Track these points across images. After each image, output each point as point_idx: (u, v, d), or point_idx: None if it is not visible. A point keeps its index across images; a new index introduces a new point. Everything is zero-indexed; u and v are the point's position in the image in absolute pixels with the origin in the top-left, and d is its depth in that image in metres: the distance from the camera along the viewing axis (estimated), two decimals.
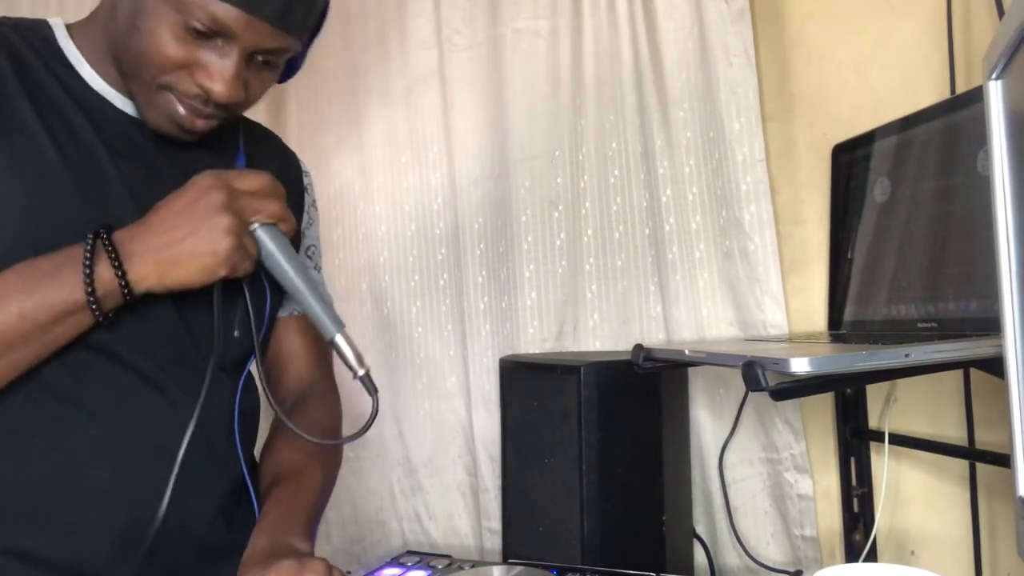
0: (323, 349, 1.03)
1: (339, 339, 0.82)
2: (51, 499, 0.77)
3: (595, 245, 1.35)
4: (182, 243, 0.73)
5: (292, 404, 0.99)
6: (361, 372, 0.82)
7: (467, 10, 1.42)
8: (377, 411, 0.83)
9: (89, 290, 0.70)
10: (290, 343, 0.99)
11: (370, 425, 0.83)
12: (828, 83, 1.25)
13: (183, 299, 0.81)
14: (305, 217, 1.02)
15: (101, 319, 0.72)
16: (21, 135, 0.76)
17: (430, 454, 1.48)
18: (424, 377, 1.48)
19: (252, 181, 0.79)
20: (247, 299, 0.84)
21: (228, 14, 0.73)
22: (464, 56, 1.42)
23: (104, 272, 0.71)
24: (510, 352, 1.35)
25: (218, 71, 0.76)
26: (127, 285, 0.72)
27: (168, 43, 0.75)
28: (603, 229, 1.35)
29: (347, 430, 1.01)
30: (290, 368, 1.00)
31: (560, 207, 1.36)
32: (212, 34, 0.75)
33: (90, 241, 0.71)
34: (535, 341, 1.36)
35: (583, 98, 1.35)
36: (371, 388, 0.83)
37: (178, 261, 0.73)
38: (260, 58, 0.79)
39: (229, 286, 0.81)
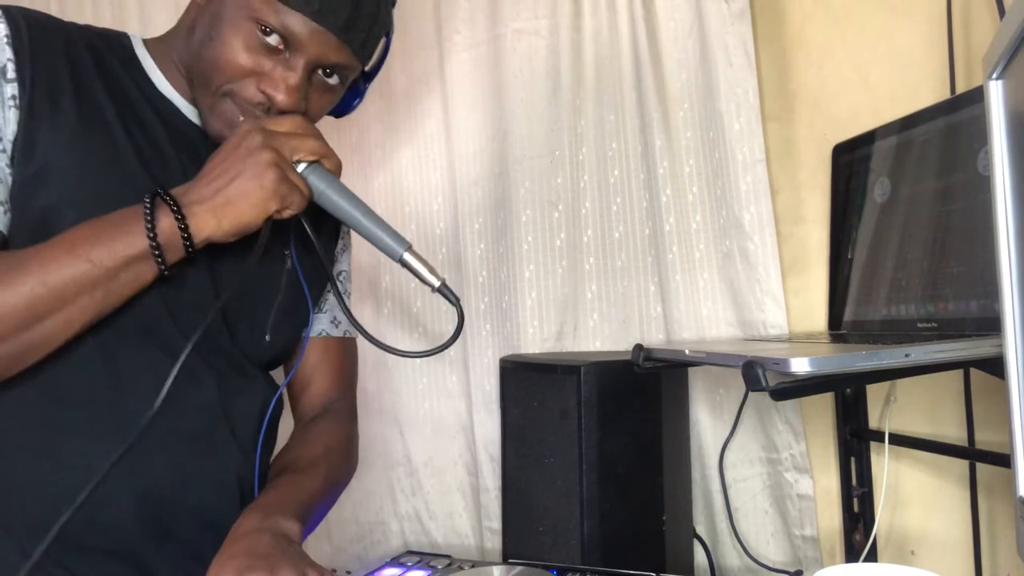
0: (350, 371, 1.06)
1: (408, 256, 0.86)
2: (84, 480, 0.78)
3: (595, 245, 1.35)
4: (230, 185, 0.78)
5: (311, 418, 1.02)
6: (437, 284, 0.86)
7: (467, 10, 1.41)
8: (463, 321, 0.88)
9: (151, 235, 0.74)
10: (316, 363, 1.02)
11: (458, 334, 0.87)
12: (828, 83, 1.25)
13: (220, 284, 0.86)
14: (340, 242, 1.06)
15: (165, 270, 0.76)
16: (100, 122, 0.82)
17: (431, 454, 1.48)
18: (424, 377, 1.48)
19: (286, 123, 0.83)
20: (306, 227, 0.88)
21: (298, 22, 0.80)
22: (464, 56, 1.42)
23: (164, 220, 0.75)
24: (510, 352, 1.35)
25: (282, 80, 0.82)
26: (187, 231, 0.76)
27: (239, 51, 0.81)
28: (603, 229, 1.35)
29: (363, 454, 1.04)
30: (313, 386, 1.03)
31: (560, 207, 1.36)
32: (281, 46, 0.81)
33: (149, 197, 0.76)
34: (535, 341, 1.36)
35: (583, 98, 1.35)
36: (452, 297, 0.87)
37: (231, 202, 0.77)
38: (322, 73, 0.85)
39: (268, 283, 0.86)
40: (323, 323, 1.03)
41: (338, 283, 1.04)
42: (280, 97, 0.82)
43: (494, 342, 1.41)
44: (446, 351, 1.46)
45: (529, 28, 1.36)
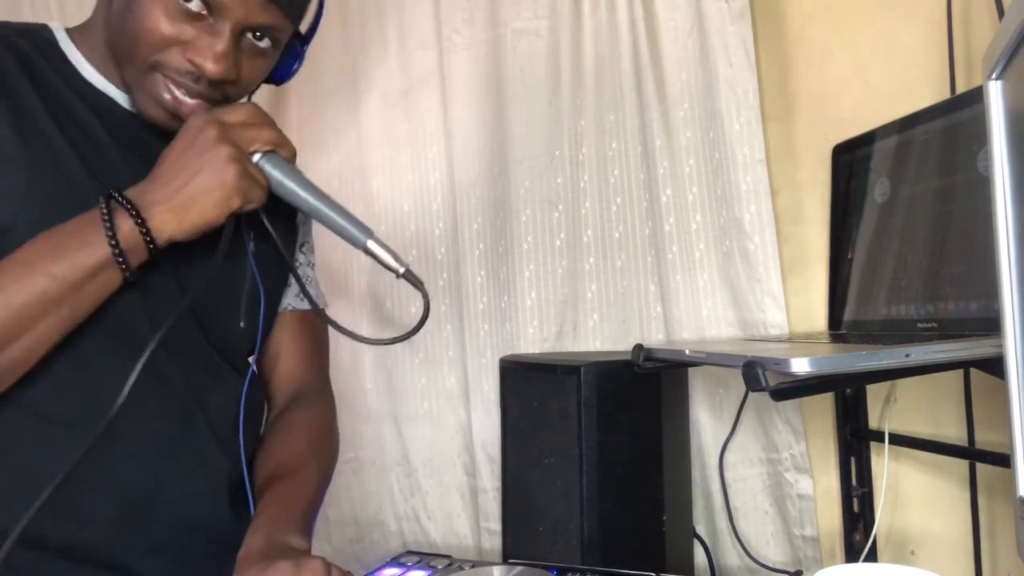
0: (319, 346, 1.04)
1: (372, 244, 0.83)
2: (65, 489, 0.77)
3: (595, 245, 1.35)
4: (190, 183, 0.75)
5: (284, 402, 0.99)
6: (402, 270, 0.84)
7: (467, 10, 1.41)
8: (428, 306, 0.84)
9: (113, 242, 0.72)
10: (285, 339, 1.00)
11: (423, 322, 0.85)
12: (828, 83, 1.25)
13: (188, 280, 0.83)
14: (300, 215, 1.02)
15: (128, 275, 0.74)
16: (35, 130, 0.78)
17: (429, 454, 1.48)
18: (423, 377, 1.48)
19: (240, 113, 0.80)
20: (266, 223, 0.85)
21: None
22: (464, 56, 1.42)
23: (124, 225, 0.73)
24: (509, 352, 1.35)
25: (209, 47, 0.78)
26: (149, 234, 0.74)
27: (161, 21, 0.76)
28: (603, 229, 1.35)
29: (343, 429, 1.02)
30: (284, 365, 1.00)
31: (560, 207, 1.36)
32: (204, 11, 0.77)
33: (104, 201, 0.73)
34: (535, 341, 1.36)
35: (583, 98, 1.35)
36: (417, 282, 0.84)
37: (193, 200, 0.75)
38: (251, 36, 0.81)
39: (234, 270, 0.83)
40: (289, 297, 1.00)
41: (301, 254, 1.02)
42: (209, 65, 0.78)
43: (493, 342, 1.41)
44: (445, 351, 1.48)
45: (529, 28, 1.36)
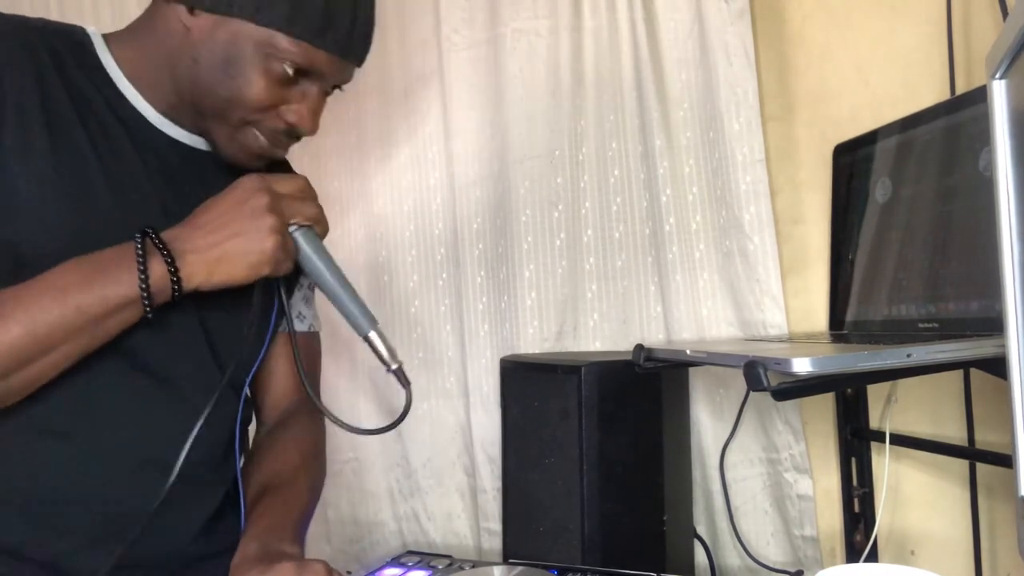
0: (312, 365, 1.05)
1: (372, 335, 0.87)
2: (48, 501, 0.77)
3: (595, 245, 1.35)
4: (230, 242, 0.76)
5: (277, 418, 1.00)
6: (394, 366, 0.87)
7: (467, 10, 1.41)
8: (410, 403, 0.88)
9: (144, 286, 0.73)
10: (279, 359, 1.00)
11: (404, 416, 0.88)
12: (828, 83, 1.25)
13: (204, 307, 0.83)
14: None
15: (149, 314, 0.75)
16: (68, 145, 0.78)
17: (429, 455, 1.48)
18: (423, 377, 1.48)
19: (292, 185, 0.83)
20: (282, 295, 0.89)
21: (324, 60, 0.81)
22: (464, 56, 1.42)
23: (157, 268, 0.74)
24: (509, 352, 1.35)
25: (308, 110, 0.83)
26: (178, 281, 0.74)
27: (265, 89, 0.80)
28: (603, 229, 1.35)
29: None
30: (277, 383, 1.01)
31: (560, 207, 1.36)
32: (298, 75, 0.81)
33: (139, 240, 0.74)
34: (535, 341, 1.36)
35: (583, 98, 1.35)
36: (404, 381, 0.88)
37: (227, 259, 0.77)
38: (331, 88, 0.86)
39: (240, 298, 0.83)
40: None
41: (301, 288, 1.02)
42: (307, 125, 0.84)
43: (492, 342, 1.41)
44: (445, 351, 1.48)
45: (529, 28, 1.36)
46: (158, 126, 0.86)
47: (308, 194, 0.84)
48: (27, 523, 0.77)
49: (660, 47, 1.29)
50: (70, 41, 0.83)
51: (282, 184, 0.82)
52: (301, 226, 0.83)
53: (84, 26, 0.87)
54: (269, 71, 0.79)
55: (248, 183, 0.79)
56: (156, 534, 0.80)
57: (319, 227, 0.85)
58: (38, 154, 0.76)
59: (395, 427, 0.90)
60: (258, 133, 0.84)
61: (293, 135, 0.86)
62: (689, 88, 1.28)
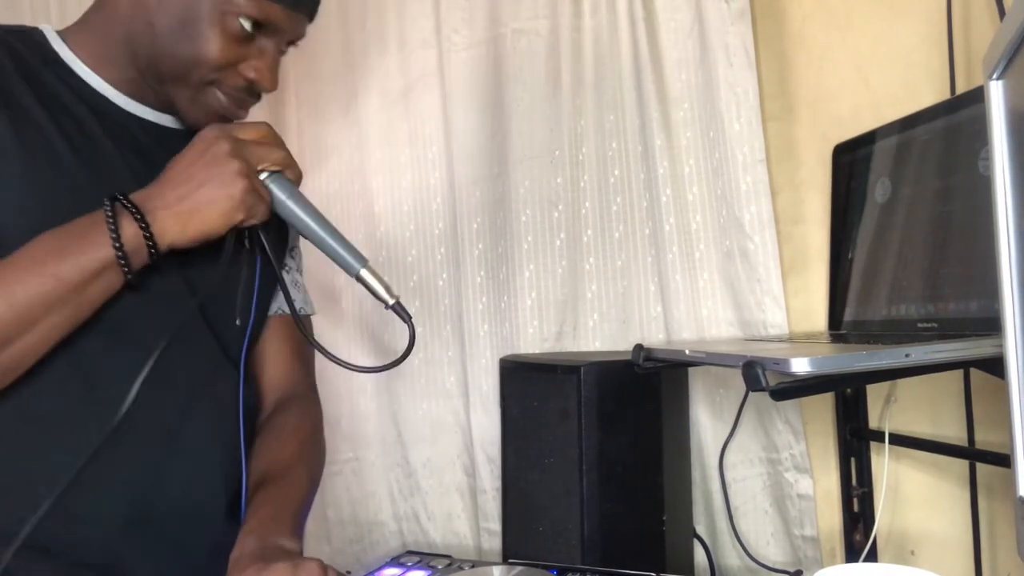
0: (307, 350, 1.05)
1: (364, 273, 0.86)
2: (66, 489, 0.77)
3: (595, 245, 1.35)
4: (198, 192, 0.77)
5: (272, 405, 1.00)
6: (391, 301, 0.87)
7: (467, 10, 1.41)
8: (414, 338, 0.87)
9: (117, 245, 0.73)
10: (274, 343, 1.00)
11: (409, 352, 0.87)
12: (828, 83, 1.25)
13: (190, 269, 0.84)
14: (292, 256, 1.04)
15: (130, 278, 0.75)
16: (33, 131, 0.79)
17: (428, 455, 1.48)
18: (423, 377, 1.48)
19: (254, 131, 0.83)
20: (263, 241, 0.88)
21: (279, 13, 0.83)
22: (464, 56, 1.42)
23: (128, 228, 0.74)
24: (509, 352, 1.35)
25: (265, 65, 0.85)
26: (151, 239, 0.75)
27: (223, 45, 0.82)
28: (603, 229, 1.35)
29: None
30: (272, 368, 1.01)
31: (560, 207, 1.36)
32: (254, 30, 0.82)
33: (108, 204, 0.74)
34: (535, 341, 1.36)
35: (583, 98, 1.35)
36: (405, 315, 0.87)
37: (197, 210, 0.77)
38: (285, 45, 0.88)
39: (232, 270, 0.84)
40: (279, 301, 1.01)
41: (290, 258, 1.03)
42: (266, 81, 0.85)
43: (492, 342, 1.41)
44: (444, 351, 1.48)
45: (529, 28, 1.36)
46: (124, 107, 0.87)
47: (272, 139, 0.85)
48: (46, 513, 0.77)
49: (660, 47, 1.28)
50: (27, 40, 0.85)
51: (243, 131, 0.82)
52: (272, 172, 0.83)
53: (38, 25, 0.88)
54: (226, 28, 0.81)
55: (207, 133, 0.80)
56: (171, 512, 0.82)
57: (291, 172, 0.85)
58: (11, 154, 0.77)
59: (399, 364, 0.88)
60: (219, 93, 0.85)
61: (253, 92, 0.87)
62: (689, 88, 1.28)
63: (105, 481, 0.79)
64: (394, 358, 0.89)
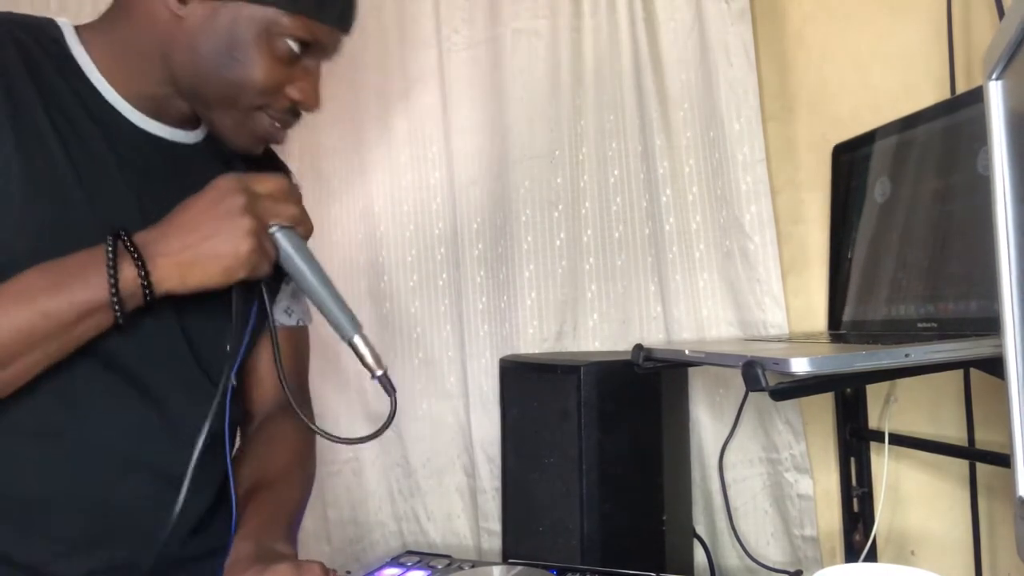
0: (300, 360, 1.04)
1: (357, 340, 0.84)
2: (37, 508, 0.77)
3: (595, 245, 1.35)
4: (203, 245, 0.74)
5: (266, 414, 0.99)
6: (379, 373, 0.85)
7: (467, 10, 1.41)
8: (395, 411, 0.85)
9: (113, 291, 0.71)
10: (265, 355, 0.98)
11: (389, 424, 0.85)
12: (828, 83, 1.25)
13: (183, 309, 0.82)
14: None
15: (120, 320, 0.73)
16: (38, 147, 0.76)
17: (428, 455, 1.48)
18: (423, 377, 1.48)
19: (270, 184, 0.80)
20: (266, 301, 0.86)
21: (325, 33, 0.82)
22: (464, 56, 1.42)
23: (127, 272, 0.72)
24: (509, 352, 1.35)
25: (311, 86, 0.84)
26: (149, 286, 0.72)
27: (272, 70, 0.80)
28: (603, 229, 1.35)
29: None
30: (264, 383, 1.00)
31: (560, 207, 1.36)
32: (300, 51, 0.81)
33: (111, 243, 0.72)
34: (535, 341, 1.36)
35: (583, 98, 1.35)
36: (389, 388, 0.85)
37: (199, 263, 0.74)
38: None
39: (219, 297, 0.81)
40: (276, 313, 0.97)
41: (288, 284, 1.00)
42: (312, 101, 0.85)
43: (492, 342, 1.41)
44: (444, 351, 1.48)
45: (529, 28, 1.36)
46: (134, 121, 0.84)
47: (288, 194, 0.82)
48: (11, 527, 0.76)
49: (660, 47, 1.28)
50: (38, 34, 0.80)
51: (260, 184, 0.79)
52: (283, 227, 0.81)
53: (54, 18, 0.84)
54: (274, 51, 0.79)
55: (224, 183, 0.77)
56: (146, 537, 0.78)
57: (302, 228, 0.83)
58: (5, 155, 0.74)
59: (377, 436, 0.86)
60: (267, 117, 0.84)
61: (297, 113, 0.86)
62: (689, 88, 1.28)
63: (72, 500, 0.78)
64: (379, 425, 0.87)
